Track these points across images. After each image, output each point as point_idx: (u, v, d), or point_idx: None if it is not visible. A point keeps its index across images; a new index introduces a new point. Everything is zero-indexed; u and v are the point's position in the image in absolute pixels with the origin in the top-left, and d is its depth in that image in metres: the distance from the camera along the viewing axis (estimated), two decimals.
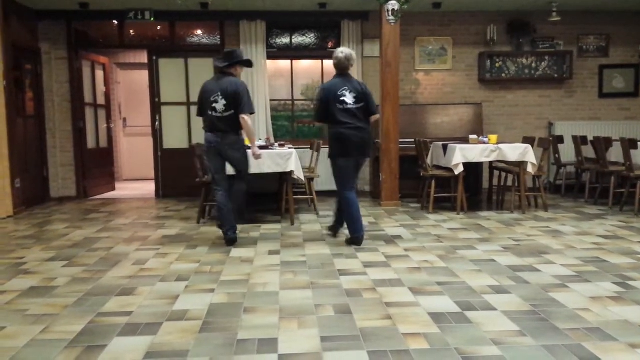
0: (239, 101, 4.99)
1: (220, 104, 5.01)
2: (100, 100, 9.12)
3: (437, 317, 3.18)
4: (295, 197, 6.59)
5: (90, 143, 8.72)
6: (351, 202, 5.03)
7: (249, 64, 5.40)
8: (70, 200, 8.27)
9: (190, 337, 2.95)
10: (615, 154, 7.19)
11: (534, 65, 8.61)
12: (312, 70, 8.84)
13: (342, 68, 5.09)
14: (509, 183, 7.22)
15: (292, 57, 8.74)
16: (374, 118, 5.12)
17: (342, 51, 5.09)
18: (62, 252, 4.95)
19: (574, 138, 7.78)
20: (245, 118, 5.04)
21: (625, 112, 8.92)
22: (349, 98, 4.97)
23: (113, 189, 9.36)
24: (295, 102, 8.85)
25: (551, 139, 7.68)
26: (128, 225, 6.26)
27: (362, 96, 5.01)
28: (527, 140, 7.04)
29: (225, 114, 5.03)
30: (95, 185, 8.78)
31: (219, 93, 5.01)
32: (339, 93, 4.97)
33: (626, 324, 3.05)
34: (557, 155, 8.11)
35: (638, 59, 8.83)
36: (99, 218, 6.72)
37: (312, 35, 8.66)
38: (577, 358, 2.62)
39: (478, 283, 3.84)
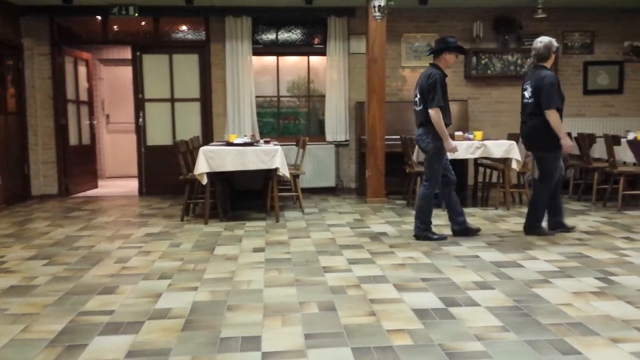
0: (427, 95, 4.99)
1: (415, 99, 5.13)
2: (83, 96, 9.02)
3: (421, 313, 3.17)
4: (280, 194, 6.57)
5: (73, 140, 8.63)
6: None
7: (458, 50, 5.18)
8: (51, 198, 8.17)
9: (173, 335, 2.91)
10: (598, 150, 7.26)
11: (519, 62, 8.64)
12: (298, 67, 8.81)
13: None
14: (494, 179, 7.25)
15: (278, 54, 8.70)
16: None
17: (541, 40, 5.08)
18: (43, 251, 4.88)
19: None
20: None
21: (610, 108, 8.99)
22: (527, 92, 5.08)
23: (96, 186, 9.27)
24: (281, 99, 8.82)
25: None
26: (110, 223, 6.19)
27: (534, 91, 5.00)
28: (512, 137, 7.06)
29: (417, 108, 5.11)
30: (77, 183, 8.68)
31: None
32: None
33: (608, 318, 3.06)
34: None
35: (622, 56, 8.90)
36: (81, 216, 6.65)
37: (298, 31, 8.62)
38: (560, 353, 2.63)
39: (462, 279, 3.84)
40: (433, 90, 4.89)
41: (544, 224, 5.30)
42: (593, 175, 7.02)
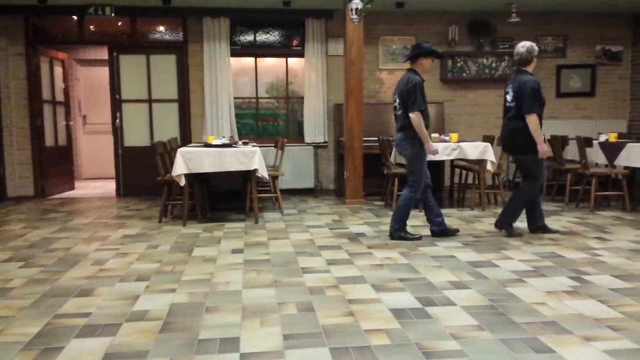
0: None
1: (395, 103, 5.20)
2: (59, 97, 8.91)
3: (399, 313, 3.21)
4: (259, 195, 6.58)
5: (49, 141, 8.52)
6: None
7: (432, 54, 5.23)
8: (27, 200, 8.06)
9: (150, 337, 2.91)
10: (571, 152, 7.40)
11: (494, 65, 8.77)
12: (276, 68, 8.82)
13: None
14: (470, 181, 7.35)
15: (257, 55, 8.70)
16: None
17: (524, 45, 5.14)
18: (19, 253, 4.82)
19: None
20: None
21: (582, 111, 9.17)
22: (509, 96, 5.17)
23: (72, 188, 9.16)
24: (260, 100, 8.82)
25: None
26: (87, 224, 6.14)
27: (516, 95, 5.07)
28: (487, 139, 7.17)
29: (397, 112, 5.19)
30: (53, 184, 8.57)
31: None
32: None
33: (581, 317, 3.13)
34: None
35: (594, 60, 9.08)
36: (58, 218, 6.57)
37: (277, 33, 8.63)
38: (534, 351, 2.68)
39: (438, 279, 3.89)
40: (413, 94, 4.96)
41: (520, 225, 5.39)
42: (566, 177, 7.15)
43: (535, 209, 5.35)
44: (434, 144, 6.41)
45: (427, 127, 5.05)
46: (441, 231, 5.25)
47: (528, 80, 5.00)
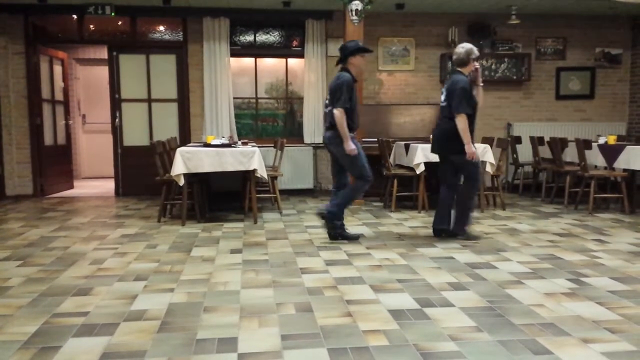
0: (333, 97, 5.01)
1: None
2: (59, 96, 8.91)
3: (397, 314, 3.21)
4: (258, 195, 6.57)
5: (48, 140, 8.51)
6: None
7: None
8: (26, 199, 8.05)
9: (148, 337, 2.90)
10: (570, 154, 7.40)
11: (493, 67, 8.78)
12: (276, 69, 8.82)
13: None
14: None
15: (256, 55, 8.70)
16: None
17: (463, 46, 5.10)
18: (17, 252, 4.81)
19: (531, 139, 7.97)
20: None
21: (581, 113, 9.18)
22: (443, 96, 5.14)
23: (71, 187, 9.16)
24: (259, 101, 8.82)
25: (509, 139, 7.85)
26: (86, 224, 6.13)
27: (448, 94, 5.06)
28: (486, 140, 7.18)
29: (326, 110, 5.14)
30: (52, 183, 8.57)
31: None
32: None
33: (579, 319, 3.13)
34: (515, 155, 8.29)
35: (594, 62, 9.09)
36: (56, 217, 6.56)
37: (277, 33, 8.63)
38: (532, 353, 2.68)
39: (437, 280, 3.89)
40: (339, 91, 4.92)
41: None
42: (565, 179, 7.15)
43: (446, 211, 5.26)
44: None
45: (352, 127, 5.02)
46: (338, 234, 5.18)
47: (459, 80, 4.98)
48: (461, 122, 4.93)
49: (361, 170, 5.07)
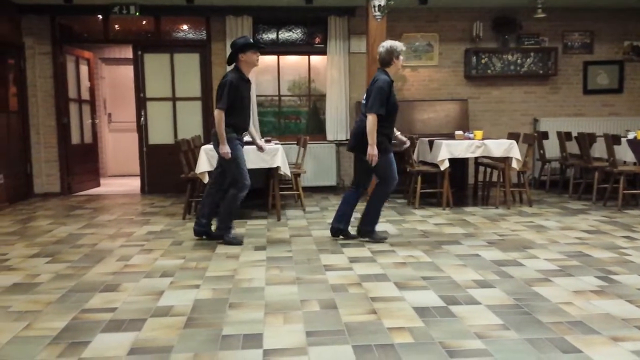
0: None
1: None
2: (85, 95, 9.03)
3: (422, 312, 3.19)
4: (281, 192, 6.59)
5: (75, 139, 8.64)
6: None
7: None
8: (54, 197, 8.19)
9: (175, 332, 2.93)
10: (598, 149, 7.27)
11: (519, 61, 8.66)
12: (298, 66, 8.82)
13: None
14: (494, 179, 7.26)
15: (279, 53, 8.71)
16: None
17: (384, 45, 4.89)
18: (46, 249, 4.90)
19: (559, 134, 7.85)
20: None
21: (609, 108, 9.01)
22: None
23: (98, 185, 9.29)
24: (282, 98, 8.83)
25: (536, 135, 7.73)
26: (113, 221, 6.21)
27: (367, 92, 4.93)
28: (512, 136, 7.09)
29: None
30: (79, 181, 8.70)
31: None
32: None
33: (609, 317, 3.08)
34: (541, 151, 8.17)
35: (622, 56, 8.91)
36: (84, 214, 6.66)
37: (299, 30, 8.63)
38: (560, 351, 2.64)
39: (463, 277, 3.86)
40: (220, 90, 4.82)
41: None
42: (593, 175, 7.03)
43: (349, 212, 5.11)
44: (458, 141, 6.37)
45: (242, 129, 4.94)
46: (203, 232, 5.15)
47: (379, 79, 4.78)
48: (370, 121, 4.72)
49: (238, 177, 4.87)
